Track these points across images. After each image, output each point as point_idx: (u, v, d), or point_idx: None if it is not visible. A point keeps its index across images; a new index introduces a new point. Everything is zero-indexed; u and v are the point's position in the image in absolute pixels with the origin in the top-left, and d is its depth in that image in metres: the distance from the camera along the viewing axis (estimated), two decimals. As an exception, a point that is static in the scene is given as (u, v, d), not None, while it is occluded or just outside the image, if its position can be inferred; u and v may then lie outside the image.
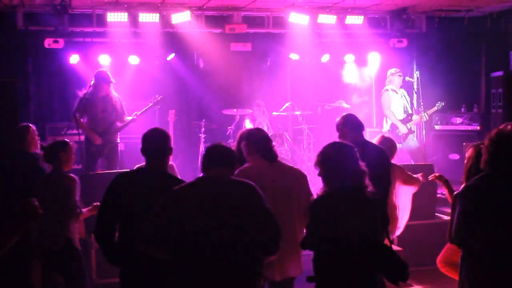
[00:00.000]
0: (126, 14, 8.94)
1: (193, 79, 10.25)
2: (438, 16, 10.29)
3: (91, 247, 6.07)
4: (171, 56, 9.76)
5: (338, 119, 5.12)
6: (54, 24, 8.78)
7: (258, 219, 3.35)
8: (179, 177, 5.64)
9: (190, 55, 10.13)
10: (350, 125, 5.03)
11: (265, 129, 9.10)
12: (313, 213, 3.54)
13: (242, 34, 9.69)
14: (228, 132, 9.52)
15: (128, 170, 4.94)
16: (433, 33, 10.35)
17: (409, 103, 8.97)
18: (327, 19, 9.56)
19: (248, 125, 9.32)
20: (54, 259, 4.89)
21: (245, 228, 3.30)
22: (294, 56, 10.22)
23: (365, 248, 3.41)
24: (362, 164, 3.57)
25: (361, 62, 10.41)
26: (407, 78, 8.97)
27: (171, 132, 7.88)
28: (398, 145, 8.58)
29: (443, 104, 8.94)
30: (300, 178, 4.37)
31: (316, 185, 7.13)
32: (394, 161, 5.66)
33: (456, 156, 9.58)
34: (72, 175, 4.98)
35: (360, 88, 10.41)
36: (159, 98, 7.95)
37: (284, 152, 9.22)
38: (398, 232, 5.79)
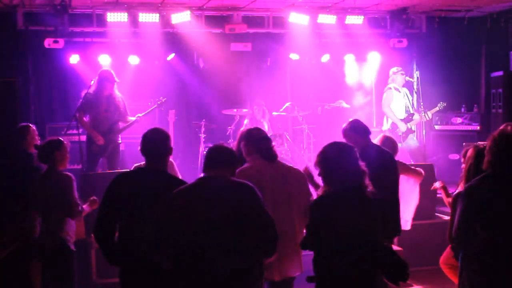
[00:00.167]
0: (126, 14, 8.94)
1: (193, 79, 10.25)
2: (438, 16, 10.28)
3: (91, 247, 6.07)
4: (171, 56, 9.76)
5: (344, 125, 5.15)
6: (54, 24, 8.78)
7: (256, 220, 3.35)
8: (179, 175, 5.67)
9: (190, 55, 10.12)
10: (357, 130, 5.06)
11: (265, 129, 9.11)
12: (313, 213, 3.54)
13: (242, 34, 9.69)
14: (228, 132, 9.52)
15: (128, 170, 4.95)
16: (433, 33, 10.35)
17: (411, 102, 8.97)
18: (327, 19, 9.56)
19: (247, 124, 9.31)
20: (46, 259, 4.88)
21: (242, 229, 3.31)
22: (294, 56, 10.22)
23: (365, 248, 3.41)
24: (362, 164, 3.58)
25: (361, 62, 10.41)
26: (407, 78, 8.98)
27: (171, 132, 7.88)
28: (398, 144, 8.61)
29: (445, 104, 8.95)
30: (299, 178, 4.37)
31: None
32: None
33: (456, 156, 9.57)
34: (67, 173, 4.94)
35: (360, 88, 10.41)
36: (163, 100, 7.97)
37: (284, 152, 9.22)
38: (407, 226, 5.81)
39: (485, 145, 3.67)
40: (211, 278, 3.29)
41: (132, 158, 8.21)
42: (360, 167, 3.55)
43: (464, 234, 3.43)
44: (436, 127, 10.16)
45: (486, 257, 3.40)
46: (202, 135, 9.35)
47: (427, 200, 6.78)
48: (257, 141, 4.38)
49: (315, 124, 9.82)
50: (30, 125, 6.58)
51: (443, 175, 8.72)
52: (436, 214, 7.29)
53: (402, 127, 8.72)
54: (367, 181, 3.55)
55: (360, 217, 3.44)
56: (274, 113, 9.73)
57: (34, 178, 5.13)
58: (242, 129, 8.98)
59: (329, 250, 3.44)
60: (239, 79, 10.41)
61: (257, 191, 3.44)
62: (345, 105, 9.79)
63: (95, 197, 5.06)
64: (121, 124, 7.69)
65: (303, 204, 4.18)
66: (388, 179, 4.87)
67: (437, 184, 5.59)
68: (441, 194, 5.63)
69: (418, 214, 6.24)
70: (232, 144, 6.61)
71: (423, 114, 8.67)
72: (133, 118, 7.64)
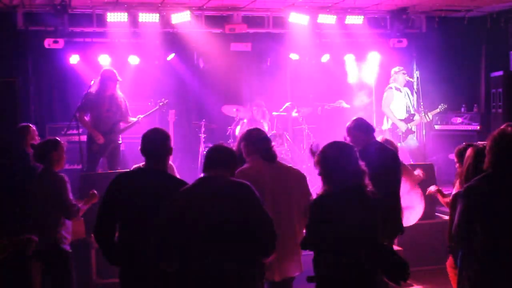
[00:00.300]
0: (126, 14, 8.93)
1: (193, 79, 10.25)
2: (438, 16, 10.29)
3: (91, 247, 6.07)
4: (171, 56, 9.76)
5: (348, 123, 5.16)
6: (54, 24, 8.78)
7: (254, 220, 3.36)
8: (178, 176, 5.66)
9: (190, 55, 10.12)
10: (361, 128, 5.07)
11: (265, 129, 9.11)
12: (313, 213, 3.54)
13: (242, 34, 9.69)
14: (228, 132, 9.52)
15: (128, 170, 4.95)
16: (433, 33, 10.34)
17: (412, 103, 8.97)
18: (327, 19, 9.56)
19: (245, 125, 9.31)
20: (43, 260, 4.86)
21: (241, 229, 3.32)
22: (294, 56, 10.22)
23: (365, 247, 3.41)
24: (362, 164, 3.58)
25: (361, 62, 10.41)
26: (406, 78, 8.98)
27: (171, 132, 7.88)
28: (398, 144, 8.61)
29: (445, 106, 8.95)
30: (299, 178, 4.37)
31: (316, 185, 7.17)
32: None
33: (456, 156, 9.57)
34: (61, 174, 4.91)
35: (360, 88, 10.40)
36: (165, 102, 7.99)
37: (284, 152, 9.21)
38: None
39: (484, 144, 3.67)
40: (211, 278, 3.29)
41: (132, 158, 8.21)
42: (360, 166, 3.56)
43: (464, 234, 3.43)
44: (436, 127, 10.16)
45: (486, 257, 3.41)
46: (202, 135, 9.35)
47: (427, 200, 6.78)
48: (257, 141, 4.38)
49: (315, 124, 9.81)
50: (30, 125, 6.58)
51: (443, 175, 8.73)
52: (436, 214, 7.30)
53: (402, 127, 8.73)
54: (367, 181, 3.55)
55: (360, 216, 3.44)
56: (274, 113, 9.73)
57: (31, 178, 5.12)
58: (238, 129, 9.08)
59: (329, 250, 3.44)
60: (239, 79, 10.41)
61: (255, 190, 3.44)
62: (345, 105, 9.78)
63: (94, 191, 5.05)
64: (122, 125, 7.68)
65: (303, 204, 4.18)
66: (390, 177, 4.88)
67: (432, 188, 5.57)
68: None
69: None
70: (232, 144, 6.62)
71: (423, 115, 8.67)
72: (134, 119, 7.64)
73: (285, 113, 9.79)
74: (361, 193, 3.50)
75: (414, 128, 8.89)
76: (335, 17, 9.57)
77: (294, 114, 9.67)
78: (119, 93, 7.66)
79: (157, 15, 9.09)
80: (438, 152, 10.03)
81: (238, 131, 9.21)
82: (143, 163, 3.96)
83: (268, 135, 4.60)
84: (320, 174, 3.59)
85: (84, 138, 7.49)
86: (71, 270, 4.90)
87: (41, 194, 4.82)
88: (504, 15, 10.07)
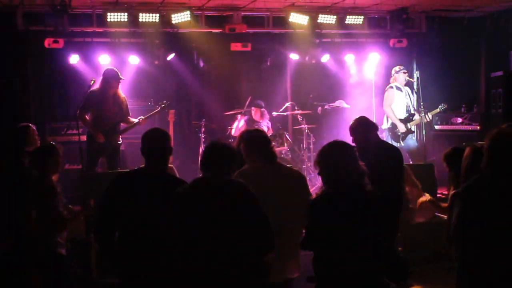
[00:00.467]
0: (126, 14, 8.94)
1: (193, 79, 10.25)
2: (438, 16, 10.29)
3: (91, 247, 6.06)
4: (171, 56, 9.76)
5: (352, 122, 5.18)
6: (54, 24, 8.78)
7: (250, 219, 3.37)
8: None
9: (190, 55, 10.13)
10: (364, 127, 5.08)
11: (265, 129, 9.11)
12: (313, 212, 3.54)
13: (242, 34, 9.69)
14: (228, 132, 9.52)
15: (128, 170, 4.94)
16: (433, 33, 10.35)
17: (412, 102, 8.97)
18: (327, 19, 9.57)
19: (242, 125, 9.31)
20: (38, 263, 4.84)
21: (237, 228, 3.32)
22: (294, 56, 10.22)
23: (365, 247, 3.41)
24: (362, 164, 3.58)
25: (361, 62, 10.41)
26: (407, 78, 8.98)
27: (171, 132, 7.90)
28: (397, 144, 8.62)
29: (445, 106, 8.95)
30: (299, 178, 4.37)
31: (316, 185, 7.17)
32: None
33: (456, 156, 9.56)
34: (52, 184, 4.84)
35: (360, 88, 10.41)
36: (166, 104, 8.01)
37: (284, 152, 9.22)
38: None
39: (481, 144, 3.67)
40: (211, 278, 3.29)
41: (132, 158, 8.22)
42: (360, 166, 3.55)
43: (462, 234, 3.42)
44: (436, 127, 10.16)
45: (485, 257, 3.40)
46: (202, 135, 9.35)
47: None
48: (257, 142, 4.37)
49: (315, 124, 9.82)
50: (30, 125, 6.58)
51: (443, 175, 8.71)
52: (436, 214, 7.29)
53: (402, 127, 8.73)
54: (366, 180, 3.55)
55: (360, 216, 3.44)
56: (274, 113, 9.73)
57: (26, 183, 5.08)
58: (240, 130, 9.08)
59: (328, 250, 3.44)
60: (239, 79, 10.42)
61: (251, 190, 3.45)
62: (345, 105, 9.79)
63: (81, 208, 5.02)
64: (122, 125, 7.68)
65: (302, 205, 4.17)
66: (392, 176, 4.88)
67: (424, 199, 5.52)
68: (440, 194, 5.63)
69: (418, 214, 6.24)
70: (232, 144, 6.61)
71: (423, 115, 8.67)
72: (135, 120, 7.64)
73: (285, 113, 9.79)
74: (360, 193, 3.50)
75: (413, 128, 8.89)
76: (335, 17, 9.57)
77: (294, 114, 9.67)
78: (121, 93, 7.67)
79: (157, 15, 9.09)
80: (438, 152, 10.00)
81: (238, 131, 9.21)
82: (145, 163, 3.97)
83: (268, 136, 4.59)
84: (320, 174, 3.59)
85: (84, 138, 7.49)
86: (69, 274, 4.88)
87: (35, 202, 4.77)
88: (504, 15, 10.07)
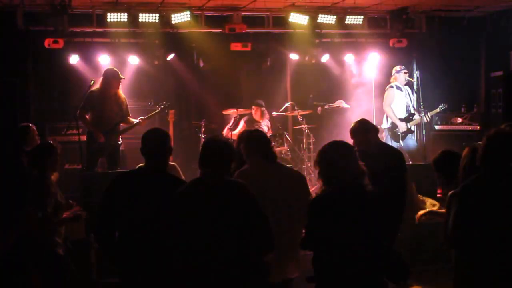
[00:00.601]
0: (126, 14, 8.94)
1: (193, 79, 10.24)
2: (438, 16, 10.29)
3: (91, 247, 6.06)
4: (171, 56, 9.76)
5: (352, 125, 5.18)
6: (54, 24, 8.78)
7: (250, 220, 3.37)
8: (182, 177, 5.67)
9: (190, 55, 10.12)
10: (365, 130, 5.08)
11: (265, 129, 9.11)
12: (313, 213, 3.54)
13: (242, 34, 9.69)
14: (226, 133, 9.51)
15: (128, 170, 4.94)
16: (433, 33, 10.35)
17: (412, 102, 8.97)
18: (327, 19, 9.56)
19: (243, 126, 9.30)
20: (36, 263, 4.84)
21: (236, 228, 3.32)
22: (294, 56, 10.22)
23: (365, 247, 3.41)
24: (362, 164, 3.57)
25: (361, 62, 10.41)
26: (407, 78, 8.98)
27: (171, 132, 7.90)
28: (397, 144, 8.62)
29: (445, 106, 8.95)
30: (299, 178, 4.38)
31: (316, 185, 7.17)
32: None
33: (456, 156, 9.55)
34: (49, 184, 4.84)
35: (360, 88, 10.41)
36: (166, 105, 8.02)
37: (284, 152, 9.21)
38: None
39: (480, 144, 3.66)
40: (210, 278, 3.29)
41: (132, 158, 8.21)
42: (360, 166, 3.55)
43: (459, 234, 3.43)
44: (436, 127, 10.15)
45: (482, 257, 3.40)
46: (202, 135, 9.35)
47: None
48: (257, 142, 4.38)
49: (315, 124, 9.82)
50: (30, 125, 6.58)
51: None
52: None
53: (401, 127, 8.73)
54: (366, 180, 3.55)
55: (360, 216, 3.44)
56: (274, 113, 9.73)
57: (29, 182, 5.09)
58: (239, 130, 9.07)
59: (328, 250, 3.44)
60: (239, 79, 10.42)
61: (250, 189, 3.45)
62: (345, 105, 9.79)
63: (77, 212, 5.02)
64: (122, 125, 7.69)
65: (303, 204, 4.18)
66: (393, 177, 4.88)
67: (421, 216, 5.44)
68: (440, 194, 5.61)
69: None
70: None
71: (423, 115, 8.67)
72: (135, 120, 7.64)
73: (285, 113, 9.79)
74: (360, 193, 3.50)
75: (413, 128, 8.90)
76: (335, 17, 9.57)
77: (294, 114, 9.66)
78: (121, 93, 7.67)
79: (157, 15, 9.09)
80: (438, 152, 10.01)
81: (238, 131, 9.20)
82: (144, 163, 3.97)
83: (268, 136, 4.60)
84: (320, 174, 3.59)
85: (84, 138, 7.49)
86: (66, 273, 4.88)
87: (34, 202, 4.77)
88: (504, 15, 10.06)
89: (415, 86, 9.12)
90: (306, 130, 9.51)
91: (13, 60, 8.96)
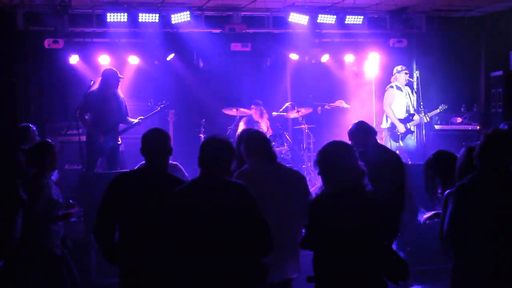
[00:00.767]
0: (126, 14, 8.94)
1: (193, 79, 10.24)
2: (438, 16, 10.29)
3: (91, 247, 6.07)
4: (171, 56, 9.76)
5: (351, 126, 5.18)
6: (54, 24, 8.78)
7: (249, 221, 3.37)
8: (186, 175, 5.66)
9: (190, 55, 10.12)
10: (363, 131, 5.08)
11: (264, 129, 9.11)
12: (313, 213, 3.54)
13: (242, 34, 9.69)
14: (228, 132, 9.52)
15: (128, 170, 4.94)
16: (433, 33, 10.35)
17: (412, 102, 8.97)
18: (327, 19, 9.56)
19: (242, 126, 9.30)
20: (34, 264, 4.83)
21: (234, 230, 3.32)
22: (294, 56, 10.22)
23: (365, 247, 3.41)
24: (361, 164, 3.58)
25: (361, 62, 10.41)
26: (407, 78, 8.98)
27: (171, 132, 7.90)
28: (397, 144, 8.62)
29: (446, 107, 8.95)
30: (299, 178, 4.37)
31: (316, 185, 7.17)
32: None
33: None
34: (43, 183, 4.84)
35: (360, 88, 10.41)
36: (165, 104, 8.02)
37: (284, 152, 9.21)
38: None
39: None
40: (210, 278, 3.29)
41: (132, 158, 8.21)
42: (359, 166, 3.55)
43: (456, 232, 3.43)
44: (436, 126, 10.16)
45: (478, 255, 3.41)
46: (202, 135, 9.35)
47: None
48: (257, 142, 4.38)
49: (315, 124, 9.82)
50: (30, 125, 6.58)
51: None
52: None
53: (401, 127, 8.74)
54: (366, 181, 3.55)
55: (359, 216, 3.44)
56: (274, 113, 9.73)
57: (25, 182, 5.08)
58: (239, 130, 9.07)
59: (328, 249, 3.44)
60: (239, 79, 10.41)
61: (250, 191, 3.45)
62: (345, 105, 9.79)
63: (72, 211, 5.01)
64: (122, 125, 7.69)
65: (302, 205, 4.18)
66: (391, 178, 4.88)
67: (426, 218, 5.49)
68: (440, 194, 5.59)
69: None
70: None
71: (422, 115, 8.68)
72: (134, 120, 7.64)
73: (285, 113, 9.79)
74: (360, 193, 3.50)
75: (413, 128, 8.90)
76: (335, 17, 9.57)
77: (294, 114, 9.67)
78: (120, 93, 7.67)
79: (157, 15, 9.09)
80: (438, 152, 10.00)
81: (238, 131, 9.20)
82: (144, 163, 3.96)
83: (267, 136, 4.60)
84: (320, 174, 3.59)
85: (84, 138, 7.49)
86: (64, 274, 4.87)
87: (32, 200, 4.76)
88: (504, 15, 10.06)
89: (415, 86, 9.12)
90: (306, 130, 9.51)
91: (13, 60, 8.97)
